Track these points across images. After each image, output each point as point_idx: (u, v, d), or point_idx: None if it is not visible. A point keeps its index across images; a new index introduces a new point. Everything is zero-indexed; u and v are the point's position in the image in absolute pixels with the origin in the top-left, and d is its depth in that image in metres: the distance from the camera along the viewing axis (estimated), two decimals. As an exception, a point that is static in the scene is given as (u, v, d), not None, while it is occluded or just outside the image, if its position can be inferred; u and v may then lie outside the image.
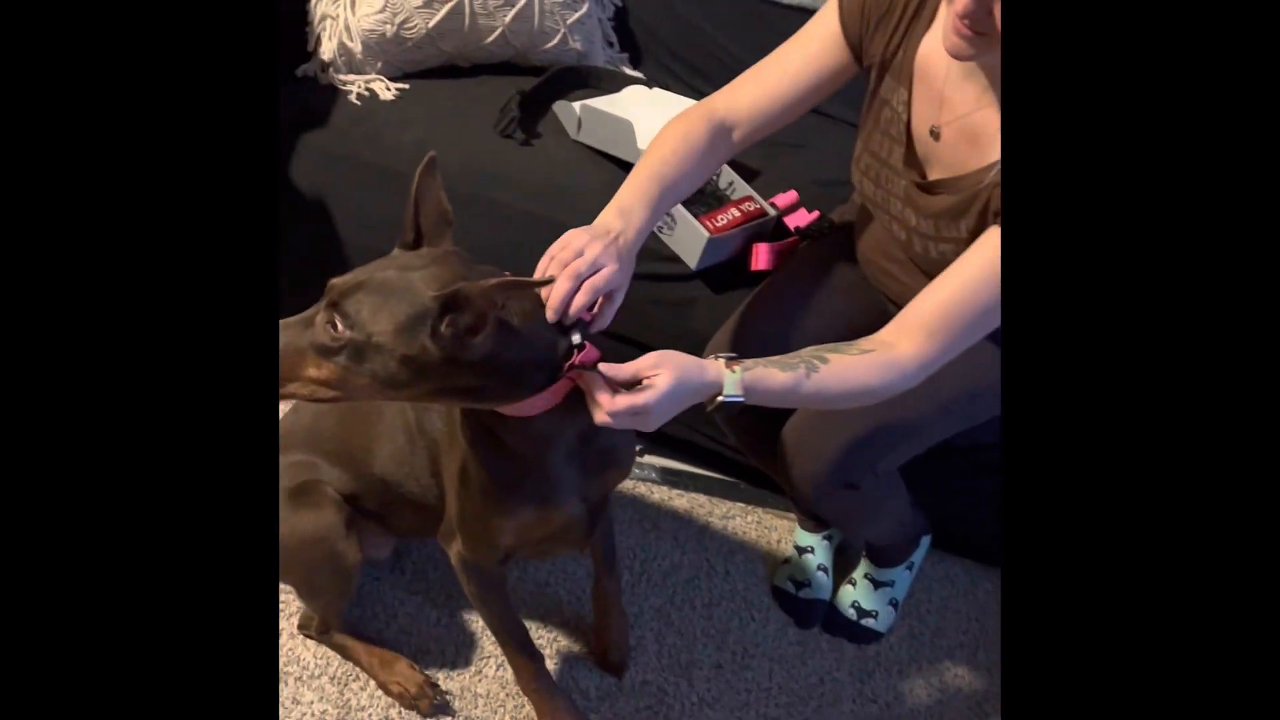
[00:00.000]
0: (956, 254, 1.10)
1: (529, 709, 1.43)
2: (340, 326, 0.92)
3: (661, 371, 0.98)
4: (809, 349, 1.08)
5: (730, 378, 1.01)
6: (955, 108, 1.13)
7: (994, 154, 1.10)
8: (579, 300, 0.99)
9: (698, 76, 1.94)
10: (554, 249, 1.02)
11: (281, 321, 0.94)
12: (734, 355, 1.04)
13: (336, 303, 0.93)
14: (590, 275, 1.00)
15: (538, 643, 1.40)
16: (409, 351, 0.92)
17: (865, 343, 1.09)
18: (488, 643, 1.51)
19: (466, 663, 1.50)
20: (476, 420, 1.09)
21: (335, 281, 0.95)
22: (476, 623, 1.54)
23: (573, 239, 1.02)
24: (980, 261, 1.05)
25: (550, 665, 1.47)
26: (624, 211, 1.08)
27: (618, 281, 1.03)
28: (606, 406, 0.97)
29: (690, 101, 1.78)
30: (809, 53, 1.20)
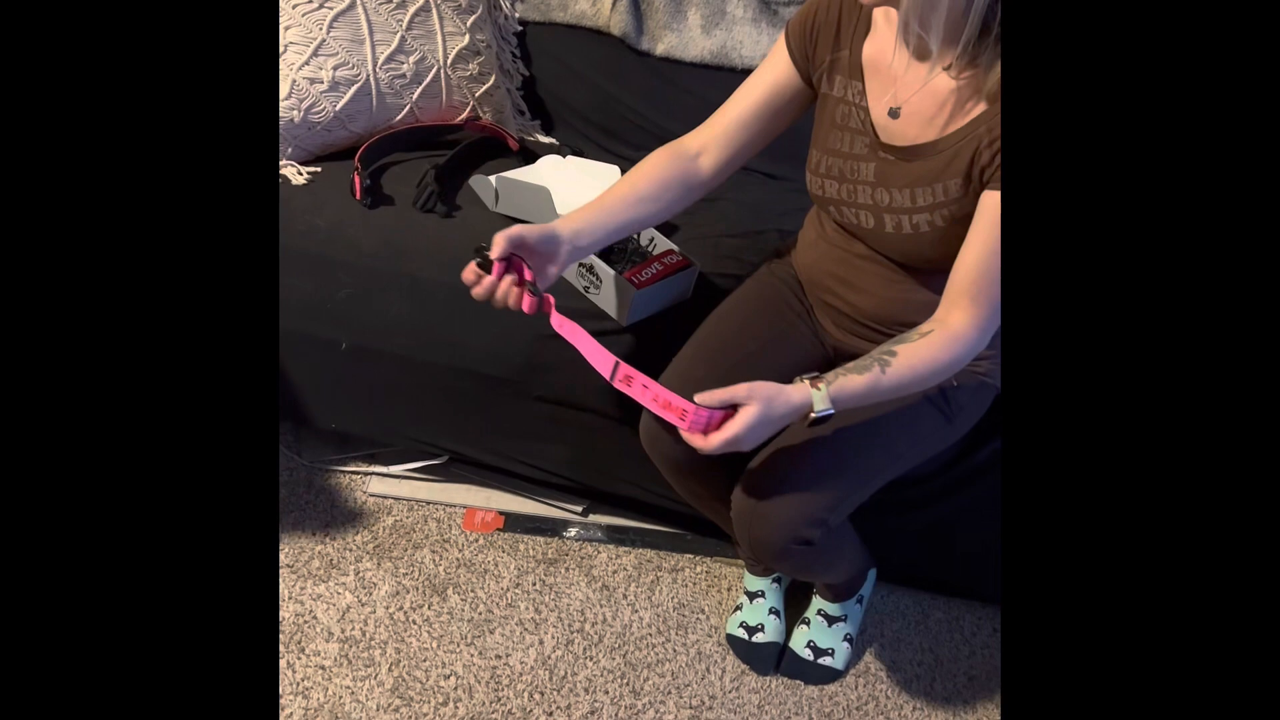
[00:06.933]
0: (930, 223, 1.20)
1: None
2: None
3: (750, 404, 1.09)
4: (876, 349, 1.17)
5: (818, 395, 1.12)
6: (910, 85, 1.20)
7: (958, 119, 1.17)
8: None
9: (611, 139, 1.98)
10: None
11: None
12: (815, 374, 1.14)
13: None
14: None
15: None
16: None
17: (924, 326, 1.18)
18: None
19: None
20: None
21: None
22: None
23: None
24: (990, 221, 1.13)
25: None
26: (574, 232, 1.23)
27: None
28: (702, 445, 1.11)
29: (607, 166, 1.81)
30: (763, 74, 1.31)
